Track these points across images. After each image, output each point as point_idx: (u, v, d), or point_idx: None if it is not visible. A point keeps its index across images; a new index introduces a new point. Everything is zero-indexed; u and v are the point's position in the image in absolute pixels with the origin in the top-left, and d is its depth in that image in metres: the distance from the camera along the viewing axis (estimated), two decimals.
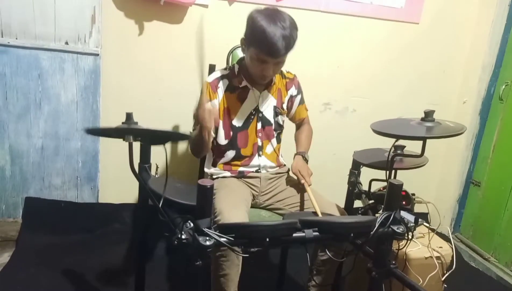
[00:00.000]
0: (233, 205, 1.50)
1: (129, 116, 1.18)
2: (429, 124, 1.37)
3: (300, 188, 1.70)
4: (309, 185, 1.63)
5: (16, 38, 2.02)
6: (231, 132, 1.70)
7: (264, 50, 1.49)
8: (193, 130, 1.62)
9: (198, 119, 1.46)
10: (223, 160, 1.74)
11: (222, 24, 2.24)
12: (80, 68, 2.12)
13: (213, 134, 1.66)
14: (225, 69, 1.74)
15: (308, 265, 1.73)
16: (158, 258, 2.16)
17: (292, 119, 1.90)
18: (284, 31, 1.47)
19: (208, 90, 1.65)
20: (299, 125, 1.94)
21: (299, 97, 1.84)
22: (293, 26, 1.51)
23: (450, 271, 1.72)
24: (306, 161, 1.76)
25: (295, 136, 1.93)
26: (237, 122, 1.70)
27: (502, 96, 2.51)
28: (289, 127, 1.89)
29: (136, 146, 1.32)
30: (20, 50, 2.03)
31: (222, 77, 1.69)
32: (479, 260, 2.50)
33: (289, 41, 1.49)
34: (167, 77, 2.27)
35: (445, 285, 1.74)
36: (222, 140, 1.71)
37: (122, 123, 1.21)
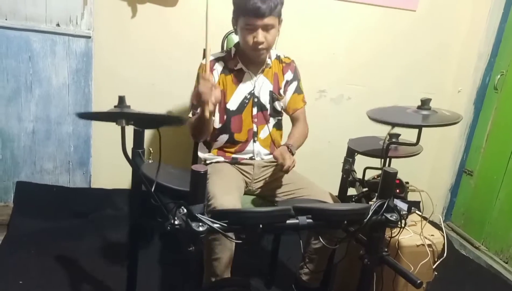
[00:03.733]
0: (226, 190, 1.49)
1: (121, 99, 1.16)
2: (425, 112, 1.36)
3: (293, 176, 1.69)
4: (284, 172, 1.56)
5: (6, 19, 1.97)
6: (225, 116, 1.68)
7: (248, 13, 1.50)
8: (192, 115, 1.60)
9: (197, 97, 1.42)
10: (216, 145, 1.73)
11: (216, 9, 2.20)
12: (71, 51, 2.08)
13: (213, 117, 1.63)
14: (222, 52, 1.72)
15: (300, 252, 1.73)
16: (151, 243, 2.16)
17: (286, 109, 1.80)
18: None
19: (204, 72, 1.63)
20: (294, 120, 1.82)
21: (294, 84, 1.78)
22: None
23: (441, 259, 1.73)
24: (292, 153, 1.63)
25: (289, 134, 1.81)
26: (231, 106, 1.68)
27: (497, 86, 2.51)
28: (284, 117, 1.87)
29: (130, 130, 1.30)
30: (10, 31, 1.99)
31: (218, 59, 1.68)
32: (470, 248, 2.53)
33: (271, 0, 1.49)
34: (161, 60, 2.24)
35: (436, 273, 1.76)
36: (217, 124, 1.69)
37: (115, 107, 1.19)
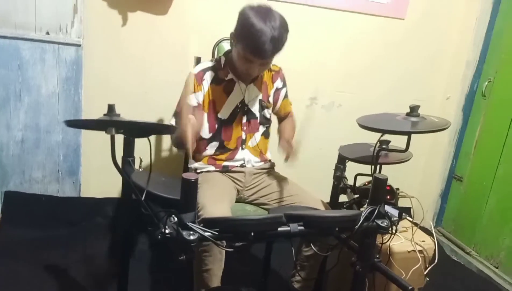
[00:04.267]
0: (216, 199, 1.49)
1: (111, 108, 1.15)
2: (414, 119, 1.37)
3: (284, 183, 1.70)
4: (287, 158, 1.58)
5: None
6: (216, 125, 1.69)
7: (250, 50, 1.48)
8: (175, 123, 1.60)
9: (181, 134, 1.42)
10: (206, 153, 1.72)
11: (208, 16, 2.22)
12: (61, 59, 2.07)
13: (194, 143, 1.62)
14: (211, 61, 1.72)
15: (292, 260, 1.73)
16: (141, 253, 2.14)
17: (277, 113, 1.87)
18: (274, 32, 1.44)
19: (193, 82, 1.63)
20: (284, 118, 1.90)
21: (284, 90, 1.83)
22: (283, 28, 1.49)
23: (432, 265, 1.74)
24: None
25: (278, 128, 1.88)
26: (222, 115, 1.68)
27: (485, 92, 2.54)
28: (275, 124, 1.88)
29: (120, 139, 1.29)
30: (0, 39, 1.97)
31: (208, 69, 1.67)
32: (461, 254, 2.55)
33: (277, 44, 1.47)
34: (152, 69, 2.23)
35: (428, 279, 1.77)
36: (206, 133, 1.69)
37: (104, 115, 1.18)
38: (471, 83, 2.61)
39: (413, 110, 1.38)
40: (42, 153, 2.17)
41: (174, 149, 2.23)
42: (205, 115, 1.67)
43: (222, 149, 1.71)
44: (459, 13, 2.62)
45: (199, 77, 1.64)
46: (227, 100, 1.68)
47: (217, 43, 2.02)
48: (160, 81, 2.25)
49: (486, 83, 2.53)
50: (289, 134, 1.72)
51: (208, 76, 1.66)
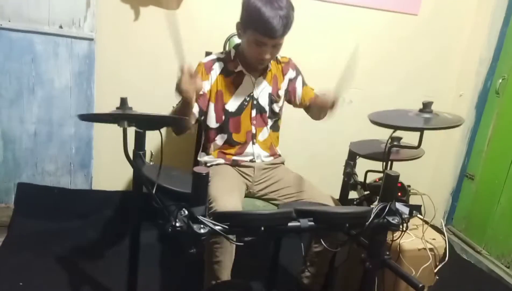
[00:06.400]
0: (227, 192, 1.49)
1: (123, 101, 1.16)
2: (427, 115, 1.36)
3: (294, 179, 1.69)
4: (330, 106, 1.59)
5: (9, 21, 1.98)
6: (223, 117, 1.69)
7: (261, 31, 1.48)
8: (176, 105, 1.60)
9: (179, 89, 1.44)
10: (214, 145, 1.73)
11: (219, 11, 2.21)
12: (74, 53, 2.09)
13: (195, 114, 1.63)
14: (222, 53, 1.72)
15: (301, 255, 1.73)
16: (151, 246, 2.15)
17: (301, 104, 1.81)
18: (281, 11, 1.46)
19: (202, 71, 1.64)
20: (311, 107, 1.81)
21: (300, 78, 1.80)
22: (290, 6, 1.50)
23: (442, 263, 1.73)
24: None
25: (310, 109, 1.81)
26: (230, 107, 1.68)
27: (499, 90, 2.51)
28: (286, 120, 1.87)
29: (131, 133, 1.30)
30: (13, 33, 1.99)
31: (218, 60, 1.68)
32: (471, 253, 2.52)
33: (287, 21, 1.48)
34: (163, 63, 2.23)
35: (437, 277, 1.75)
36: (213, 123, 1.69)
37: (116, 108, 1.19)
38: (485, 81, 2.58)
39: (426, 107, 1.37)
40: (54, 146, 2.19)
41: (185, 144, 2.23)
42: (212, 105, 1.67)
43: (230, 141, 1.71)
44: (473, 9, 2.58)
45: (208, 67, 1.65)
46: (236, 93, 1.68)
47: (228, 38, 2.02)
48: (171, 75, 2.23)
49: (500, 80, 2.49)
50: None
51: (217, 67, 1.66)
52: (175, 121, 1.49)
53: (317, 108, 1.73)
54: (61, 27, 2.04)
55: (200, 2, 2.20)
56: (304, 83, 1.82)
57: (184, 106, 1.49)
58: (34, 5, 1.98)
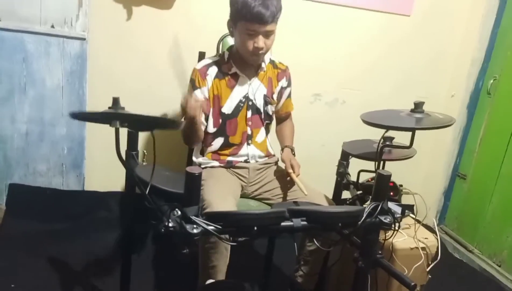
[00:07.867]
0: (222, 196, 1.49)
1: (115, 101, 1.15)
2: (418, 115, 1.37)
3: (288, 179, 1.70)
4: (297, 176, 1.63)
5: (0, 20, 1.96)
6: (220, 120, 1.69)
7: (249, 18, 1.49)
8: (183, 119, 1.60)
9: (185, 111, 1.46)
10: (211, 149, 1.72)
11: (212, 11, 2.21)
12: (66, 53, 2.07)
13: (204, 122, 1.65)
14: (215, 56, 1.72)
15: (295, 255, 1.73)
16: (144, 246, 2.14)
17: (277, 112, 1.86)
18: None
19: (197, 78, 1.64)
20: (283, 119, 1.92)
21: (288, 90, 1.84)
22: None
23: (435, 262, 1.73)
24: (294, 155, 1.76)
25: (278, 130, 1.92)
26: (226, 110, 1.68)
27: (490, 90, 2.53)
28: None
29: (124, 133, 1.30)
30: (4, 32, 1.98)
31: (211, 64, 1.68)
32: (463, 252, 2.54)
33: (273, 5, 1.49)
34: (156, 63, 2.23)
35: (430, 276, 1.76)
36: (211, 128, 1.69)
37: (109, 108, 1.18)
38: (476, 81, 2.60)
39: (418, 107, 1.38)
40: (46, 146, 2.18)
41: (178, 144, 2.22)
42: (210, 110, 1.67)
43: (227, 144, 1.71)
44: (465, 10, 2.60)
45: (203, 73, 1.65)
46: (231, 94, 1.68)
47: (222, 38, 2.01)
48: (164, 75, 2.24)
49: (492, 81, 2.52)
50: (291, 150, 1.78)
51: (211, 71, 1.66)
52: (168, 124, 1.48)
53: (280, 141, 1.87)
54: (53, 26, 2.03)
55: (193, 3, 2.20)
56: (289, 96, 1.86)
57: (192, 124, 1.52)
58: (26, 4, 1.97)
